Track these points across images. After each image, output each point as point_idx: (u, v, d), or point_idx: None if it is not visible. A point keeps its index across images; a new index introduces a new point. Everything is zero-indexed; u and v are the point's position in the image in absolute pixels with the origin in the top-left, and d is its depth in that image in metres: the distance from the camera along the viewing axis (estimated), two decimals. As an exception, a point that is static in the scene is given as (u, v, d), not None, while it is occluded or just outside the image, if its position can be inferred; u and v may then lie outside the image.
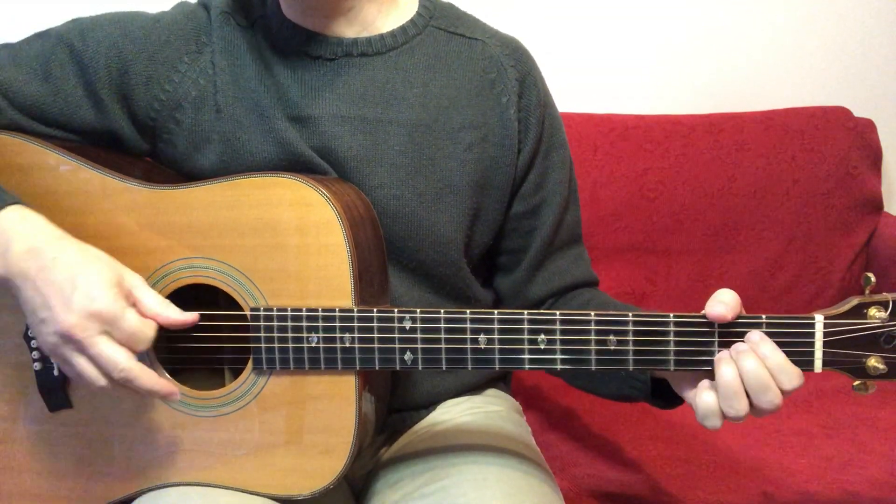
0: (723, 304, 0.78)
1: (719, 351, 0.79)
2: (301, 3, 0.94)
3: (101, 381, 0.79)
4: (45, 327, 0.79)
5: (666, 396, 0.88)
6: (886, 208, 1.84)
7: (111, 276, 0.80)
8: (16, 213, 0.83)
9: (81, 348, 0.78)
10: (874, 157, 1.79)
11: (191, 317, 0.83)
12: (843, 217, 1.76)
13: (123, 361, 0.78)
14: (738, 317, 0.78)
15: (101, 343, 0.78)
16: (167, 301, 0.83)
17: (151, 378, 0.80)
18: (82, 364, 0.79)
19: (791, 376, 0.77)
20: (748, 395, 0.77)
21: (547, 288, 1.05)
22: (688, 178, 1.70)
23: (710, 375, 0.80)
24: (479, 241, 1.02)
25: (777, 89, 1.91)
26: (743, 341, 0.79)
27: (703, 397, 0.78)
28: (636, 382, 0.90)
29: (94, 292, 0.78)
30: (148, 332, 0.80)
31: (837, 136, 1.76)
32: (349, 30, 0.96)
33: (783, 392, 0.77)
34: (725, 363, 0.77)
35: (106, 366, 0.78)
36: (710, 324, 0.79)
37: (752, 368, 0.76)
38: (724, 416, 0.78)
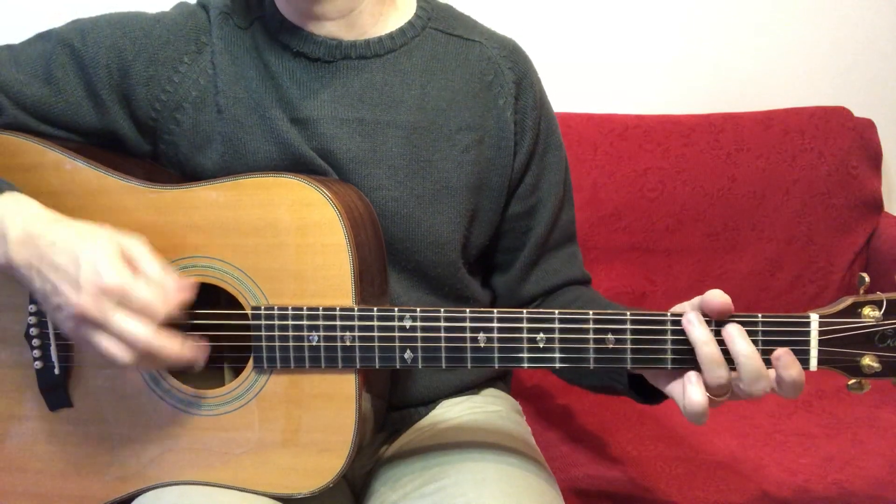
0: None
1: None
2: (299, 6, 0.95)
3: (127, 356, 0.77)
4: (61, 313, 0.78)
5: (643, 391, 0.89)
6: (886, 208, 1.84)
7: (112, 247, 0.78)
8: (9, 198, 0.83)
9: (100, 326, 0.77)
10: (874, 157, 1.79)
11: (186, 287, 0.80)
12: (843, 217, 1.76)
13: (143, 333, 0.77)
14: (735, 316, 0.79)
15: (118, 318, 0.76)
16: (166, 271, 0.80)
17: (175, 346, 0.79)
18: (104, 342, 0.77)
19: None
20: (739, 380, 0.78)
21: (539, 287, 1.05)
22: (688, 178, 1.70)
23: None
24: (476, 242, 1.02)
25: (777, 89, 1.91)
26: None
27: (692, 396, 0.78)
28: (615, 374, 0.91)
29: (99, 267, 0.77)
30: (161, 298, 0.78)
31: (837, 136, 1.76)
32: (348, 32, 0.96)
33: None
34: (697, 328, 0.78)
35: (128, 340, 0.77)
36: (706, 322, 0.79)
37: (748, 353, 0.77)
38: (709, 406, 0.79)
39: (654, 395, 0.87)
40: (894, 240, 1.74)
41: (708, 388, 0.79)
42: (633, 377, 0.89)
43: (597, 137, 1.69)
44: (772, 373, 0.79)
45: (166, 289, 0.79)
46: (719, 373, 0.78)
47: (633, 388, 0.90)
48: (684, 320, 0.79)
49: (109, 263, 0.77)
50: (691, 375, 0.79)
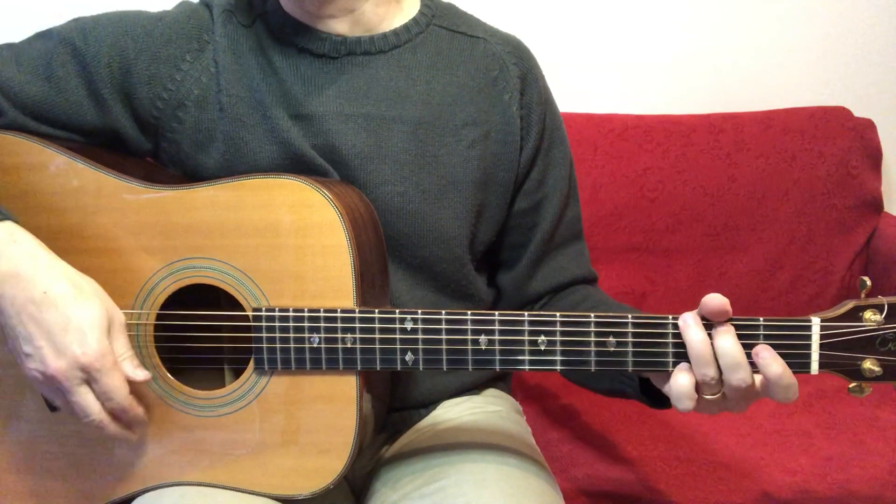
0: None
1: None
2: (303, 5, 0.95)
3: (77, 420, 0.82)
4: (29, 362, 0.80)
5: (653, 395, 0.89)
6: (886, 208, 1.84)
7: (102, 318, 0.81)
8: (4, 231, 0.82)
9: (61, 391, 0.80)
10: (874, 157, 1.79)
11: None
12: (843, 217, 1.76)
13: (96, 415, 0.81)
14: (737, 320, 0.79)
15: (80, 393, 0.80)
16: (135, 363, 0.84)
17: (121, 430, 0.84)
18: (59, 402, 0.82)
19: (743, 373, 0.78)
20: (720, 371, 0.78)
21: (546, 284, 1.05)
22: (688, 178, 1.70)
23: None
24: (482, 238, 1.02)
25: (777, 89, 1.91)
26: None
27: (677, 378, 0.79)
28: (626, 378, 0.91)
29: (87, 339, 0.79)
30: (122, 393, 0.82)
31: (837, 136, 1.76)
32: (352, 28, 0.96)
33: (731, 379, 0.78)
34: (693, 329, 0.79)
35: (80, 412, 0.81)
36: (708, 325, 0.79)
37: (727, 345, 0.77)
38: (697, 396, 0.79)
39: (665, 400, 0.87)
40: (894, 240, 1.74)
41: (697, 385, 0.79)
42: (644, 380, 0.89)
43: (597, 137, 1.69)
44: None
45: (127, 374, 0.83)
46: (705, 371, 0.78)
47: (644, 392, 0.90)
48: (680, 322, 0.79)
49: (97, 338, 0.80)
50: (681, 364, 0.80)
